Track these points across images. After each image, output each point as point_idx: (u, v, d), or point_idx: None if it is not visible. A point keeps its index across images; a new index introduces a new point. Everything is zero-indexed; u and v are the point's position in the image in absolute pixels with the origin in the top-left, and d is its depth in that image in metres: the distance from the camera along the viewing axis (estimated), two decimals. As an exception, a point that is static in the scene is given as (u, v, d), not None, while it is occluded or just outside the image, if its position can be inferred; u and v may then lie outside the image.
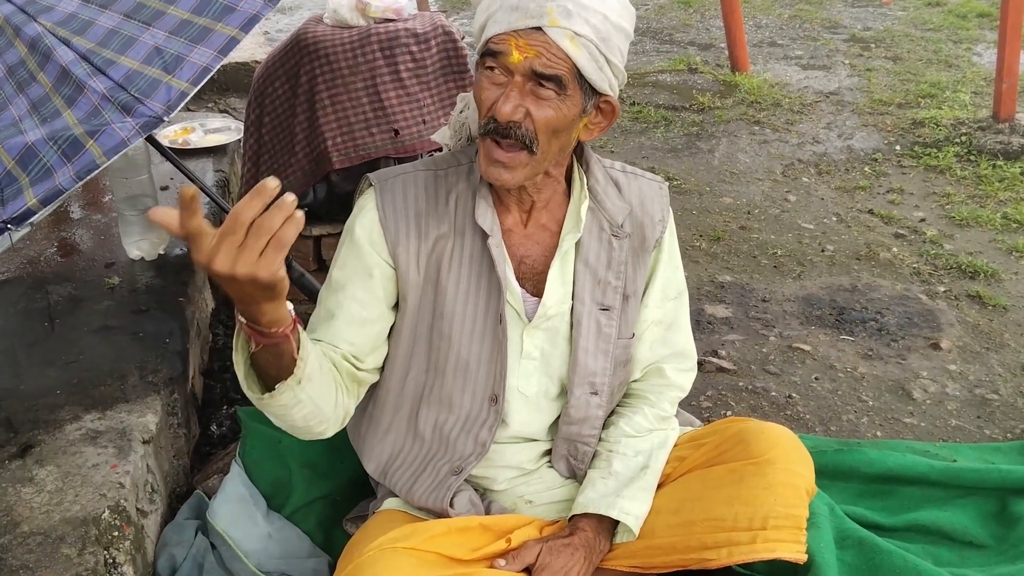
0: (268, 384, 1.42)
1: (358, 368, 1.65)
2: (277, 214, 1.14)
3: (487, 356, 1.66)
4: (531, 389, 1.71)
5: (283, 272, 1.21)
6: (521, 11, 1.44)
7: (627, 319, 1.74)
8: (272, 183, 1.13)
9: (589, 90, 1.51)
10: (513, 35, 1.45)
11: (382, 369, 1.73)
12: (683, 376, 1.89)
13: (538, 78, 1.45)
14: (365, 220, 1.64)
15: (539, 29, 1.43)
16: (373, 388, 1.76)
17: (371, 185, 1.66)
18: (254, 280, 1.18)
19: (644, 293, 1.79)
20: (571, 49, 1.44)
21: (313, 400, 1.47)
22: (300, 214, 1.17)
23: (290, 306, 1.34)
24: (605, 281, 1.69)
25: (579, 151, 1.70)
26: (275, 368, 1.39)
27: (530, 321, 1.68)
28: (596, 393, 1.72)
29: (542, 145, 1.51)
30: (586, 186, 1.68)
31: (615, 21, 1.47)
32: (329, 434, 1.61)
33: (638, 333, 1.81)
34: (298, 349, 1.38)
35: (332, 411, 1.56)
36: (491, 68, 1.49)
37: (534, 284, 1.68)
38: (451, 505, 1.68)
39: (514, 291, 1.66)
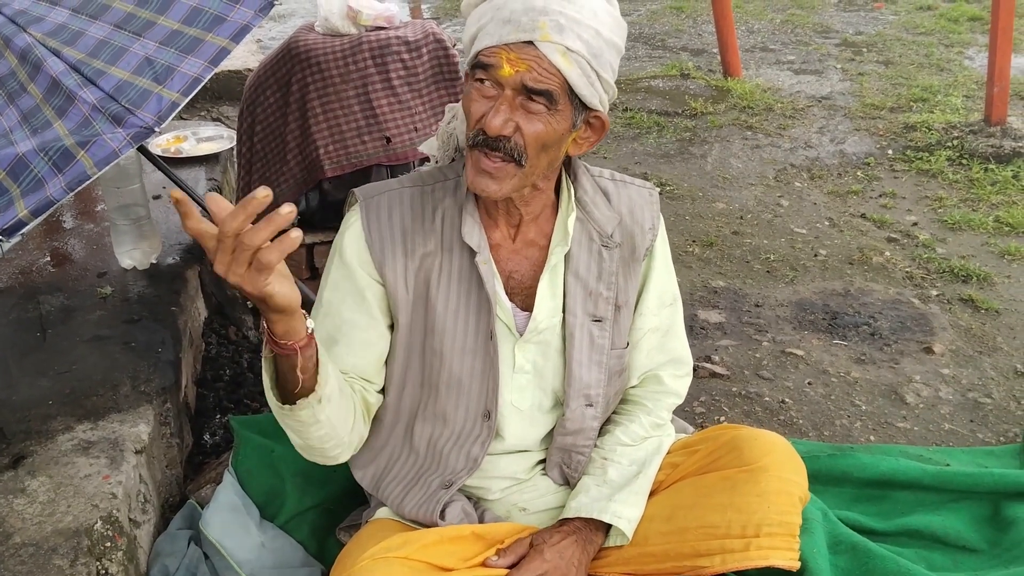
0: (290, 399, 1.45)
1: (370, 391, 1.70)
2: (260, 232, 1.14)
3: (479, 372, 1.66)
4: (525, 403, 1.71)
5: (278, 288, 1.23)
6: (513, 24, 1.43)
7: (620, 329, 1.74)
8: (261, 193, 1.13)
9: (579, 105, 1.50)
10: (504, 48, 1.43)
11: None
12: (680, 382, 1.89)
13: (528, 92, 1.44)
14: (352, 240, 1.64)
15: (531, 43, 1.42)
16: None
17: (357, 201, 1.66)
18: (243, 291, 1.19)
19: (639, 301, 1.79)
20: (563, 64, 1.43)
21: (331, 422, 1.52)
22: (296, 233, 1.17)
23: (310, 324, 1.37)
24: (596, 292, 1.69)
25: (567, 161, 1.69)
26: (293, 382, 1.41)
27: (521, 335, 1.67)
28: (591, 405, 1.72)
29: (531, 159, 1.50)
30: (573, 198, 1.67)
31: (607, 37, 1.46)
32: (342, 459, 1.65)
33: (634, 341, 1.80)
34: (317, 368, 1.41)
35: (348, 435, 1.60)
36: (481, 80, 1.47)
37: (523, 299, 1.68)
38: (442, 517, 1.68)
39: (504, 306, 1.65)
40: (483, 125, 1.46)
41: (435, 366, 1.66)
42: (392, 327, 1.69)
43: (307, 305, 2.43)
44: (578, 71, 1.44)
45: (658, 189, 1.81)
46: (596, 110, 1.53)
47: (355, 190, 1.68)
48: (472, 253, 1.61)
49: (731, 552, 1.60)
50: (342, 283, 1.65)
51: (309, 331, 1.37)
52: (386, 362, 1.71)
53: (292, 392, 1.43)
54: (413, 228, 1.63)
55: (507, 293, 1.66)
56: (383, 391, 1.74)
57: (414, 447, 1.73)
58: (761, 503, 1.61)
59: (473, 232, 1.61)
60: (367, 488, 1.81)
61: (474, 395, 1.67)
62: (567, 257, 1.67)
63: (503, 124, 1.45)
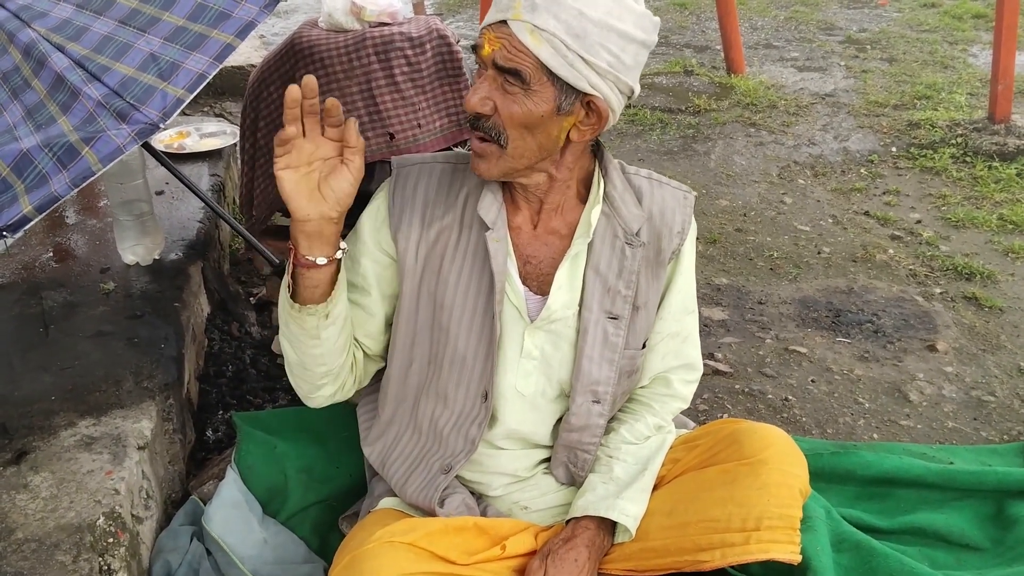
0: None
1: (361, 349, 1.75)
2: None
3: (483, 352, 1.66)
4: (529, 388, 1.71)
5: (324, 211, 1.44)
6: (497, 5, 1.48)
7: (636, 330, 1.72)
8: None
9: (566, 88, 1.47)
10: (488, 29, 1.48)
11: (385, 360, 1.78)
12: (688, 388, 1.89)
13: (500, 71, 1.46)
14: (375, 205, 1.70)
15: (504, 22, 1.45)
16: (379, 376, 1.80)
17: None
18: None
19: (661, 304, 1.77)
20: (531, 42, 1.42)
21: (330, 343, 1.58)
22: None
23: (340, 249, 1.51)
24: (615, 290, 1.67)
25: (601, 156, 1.69)
26: (310, 295, 1.53)
27: (532, 321, 1.67)
28: (598, 402, 1.71)
29: (513, 140, 1.51)
30: (602, 191, 1.66)
31: (598, 18, 1.43)
32: (323, 397, 1.70)
33: (652, 344, 1.79)
34: (332, 289, 1.53)
35: (339, 368, 1.66)
36: (479, 63, 1.53)
37: (539, 284, 1.67)
38: (441, 505, 1.69)
39: (515, 288, 1.65)
40: (466, 103, 1.51)
41: (441, 342, 1.67)
42: (392, 298, 1.72)
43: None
44: (549, 50, 1.43)
45: (695, 194, 1.80)
46: (590, 94, 1.50)
47: (393, 158, 1.72)
48: (486, 229, 1.62)
49: (731, 546, 1.60)
50: (348, 245, 1.69)
51: (339, 255, 1.51)
52: (392, 336, 1.73)
53: (301, 295, 1.52)
54: (435, 200, 1.66)
55: (522, 277, 1.66)
56: (388, 363, 1.76)
57: (418, 425, 1.74)
58: (761, 496, 1.61)
59: (491, 209, 1.62)
60: (375, 466, 1.82)
61: (476, 375, 1.67)
62: (590, 251, 1.66)
63: (479, 102, 1.49)
